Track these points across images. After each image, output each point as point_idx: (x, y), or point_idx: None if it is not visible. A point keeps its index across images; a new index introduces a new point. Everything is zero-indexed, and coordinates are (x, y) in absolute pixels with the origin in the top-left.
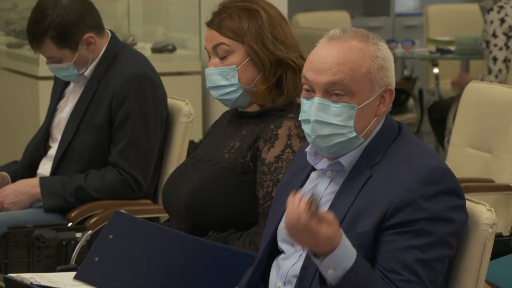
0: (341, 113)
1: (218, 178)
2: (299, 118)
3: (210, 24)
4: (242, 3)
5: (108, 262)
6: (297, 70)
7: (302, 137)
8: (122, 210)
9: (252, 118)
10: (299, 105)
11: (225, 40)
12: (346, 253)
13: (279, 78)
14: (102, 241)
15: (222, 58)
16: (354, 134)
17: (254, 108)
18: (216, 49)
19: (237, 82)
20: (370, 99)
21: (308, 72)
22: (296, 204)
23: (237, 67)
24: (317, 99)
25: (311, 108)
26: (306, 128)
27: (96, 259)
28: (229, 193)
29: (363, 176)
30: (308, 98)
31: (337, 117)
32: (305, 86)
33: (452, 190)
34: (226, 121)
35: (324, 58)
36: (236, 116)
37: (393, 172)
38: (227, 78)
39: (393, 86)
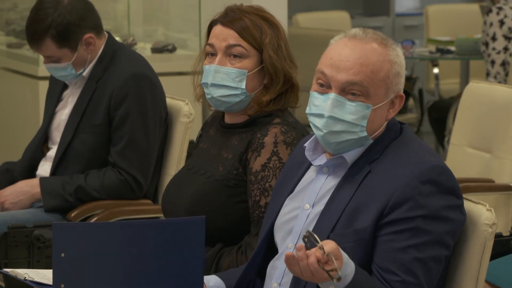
0: (356, 112)
1: (213, 191)
2: (306, 111)
3: (226, 23)
4: (261, 12)
5: (73, 284)
6: (297, 90)
7: (289, 143)
8: (59, 222)
9: (240, 128)
10: (286, 109)
11: (244, 43)
12: (345, 269)
13: (280, 94)
14: (58, 264)
15: (234, 58)
16: (365, 134)
17: (240, 118)
18: (230, 48)
19: (244, 87)
20: (384, 102)
21: (327, 67)
22: (305, 262)
23: (248, 72)
24: (333, 95)
25: (325, 103)
26: (317, 122)
27: (62, 286)
28: (226, 204)
29: (362, 172)
30: (322, 93)
31: (352, 115)
32: (319, 81)
33: (450, 190)
34: (215, 128)
35: (346, 56)
36: (224, 126)
37: (392, 168)
38: (235, 81)
39: (403, 93)
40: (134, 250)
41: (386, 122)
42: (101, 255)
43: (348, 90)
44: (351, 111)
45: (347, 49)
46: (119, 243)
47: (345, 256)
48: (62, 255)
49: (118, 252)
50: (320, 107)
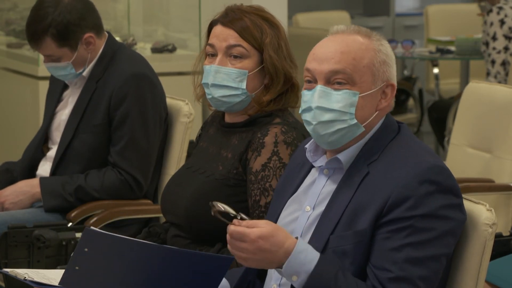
0: (342, 100)
1: (213, 190)
2: (299, 112)
3: (226, 23)
4: (261, 12)
5: (87, 272)
6: (297, 90)
7: (289, 143)
8: (92, 228)
9: (240, 127)
10: (286, 109)
11: (244, 44)
12: (305, 256)
13: (281, 93)
14: (79, 253)
15: (234, 59)
16: (355, 121)
17: (241, 118)
18: (230, 49)
19: (244, 87)
20: (372, 90)
21: (310, 63)
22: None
23: (248, 72)
24: (319, 87)
25: (312, 96)
26: (307, 116)
27: (77, 268)
28: (225, 203)
29: (360, 173)
30: (310, 89)
31: (338, 103)
32: (307, 78)
33: (449, 189)
34: (215, 128)
35: (327, 48)
36: (224, 126)
37: (390, 169)
38: (236, 81)
39: (395, 82)
40: (153, 269)
41: (383, 119)
42: (121, 263)
43: (333, 80)
44: (338, 99)
45: (329, 42)
46: (143, 260)
47: (303, 245)
48: (86, 249)
49: (138, 266)
50: (308, 101)
